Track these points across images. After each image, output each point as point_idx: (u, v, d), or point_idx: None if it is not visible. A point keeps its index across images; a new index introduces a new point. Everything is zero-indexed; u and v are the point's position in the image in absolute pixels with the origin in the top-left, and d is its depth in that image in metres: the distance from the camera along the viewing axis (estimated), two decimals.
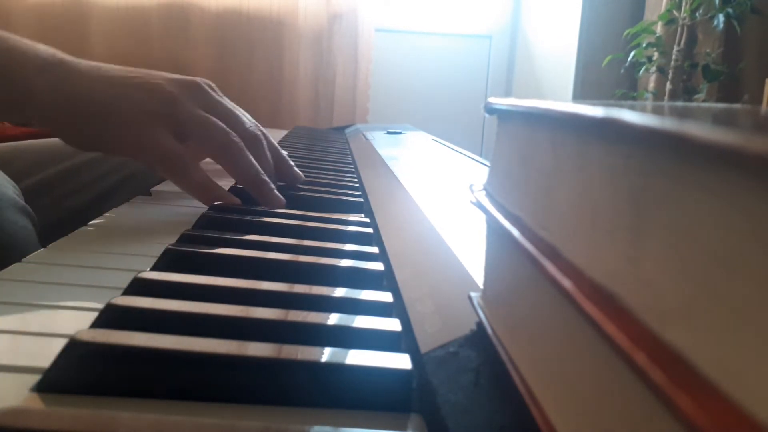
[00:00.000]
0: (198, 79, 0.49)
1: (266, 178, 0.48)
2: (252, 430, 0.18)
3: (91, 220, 0.41)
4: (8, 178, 0.54)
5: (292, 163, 0.55)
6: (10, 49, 0.44)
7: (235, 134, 0.47)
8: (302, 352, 0.21)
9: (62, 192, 0.70)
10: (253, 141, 0.49)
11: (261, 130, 0.52)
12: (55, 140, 0.76)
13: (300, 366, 0.20)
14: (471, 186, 0.25)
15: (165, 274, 0.28)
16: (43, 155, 0.72)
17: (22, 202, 0.52)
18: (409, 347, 0.24)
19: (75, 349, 0.20)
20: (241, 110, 0.52)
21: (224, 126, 0.47)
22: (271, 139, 0.54)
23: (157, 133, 0.44)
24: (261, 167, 0.48)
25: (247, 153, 0.47)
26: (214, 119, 0.46)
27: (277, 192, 0.48)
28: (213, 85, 0.51)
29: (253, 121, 0.53)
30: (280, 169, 0.53)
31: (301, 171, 0.56)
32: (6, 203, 0.50)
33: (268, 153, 0.51)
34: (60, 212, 0.67)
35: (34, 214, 0.53)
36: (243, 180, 0.47)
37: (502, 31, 2.30)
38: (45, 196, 0.67)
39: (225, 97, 0.51)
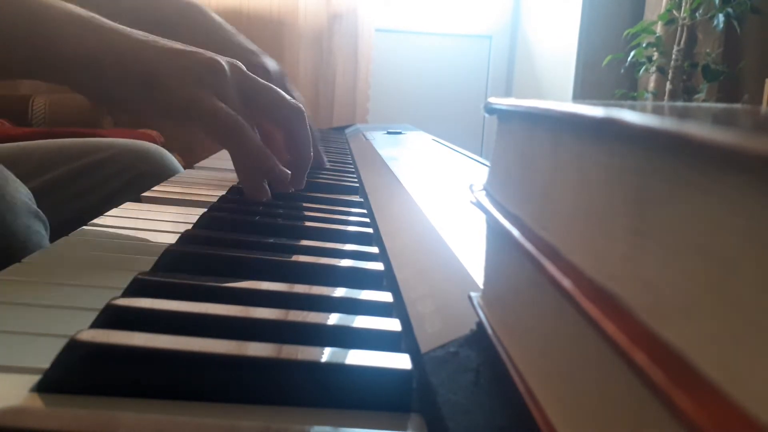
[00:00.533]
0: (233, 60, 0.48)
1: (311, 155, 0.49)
2: (252, 430, 0.18)
3: None
4: (20, 182, 0.54)
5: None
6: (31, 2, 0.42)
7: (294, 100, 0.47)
8: (302, 352, 0.21)
9: (68, 194, 0.70)
10: (299, 113, 0.49)
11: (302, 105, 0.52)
12: (62, 141, 0.76)
13: (300, 366, 0.20)
14: (471, 186, 0.25)
15: (165, 275, 0.28)
16: (49, 157, 0.72)
17: (34, 206, 0.52)
18: (409, 347, 0.24)
19: (75, 349, 0.20)
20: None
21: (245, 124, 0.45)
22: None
23: (206, 95, 0.43)
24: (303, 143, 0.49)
25: (308, 126, 0.48)
26: (274, 87, 0.47)
27: (266, 186, 0.48)
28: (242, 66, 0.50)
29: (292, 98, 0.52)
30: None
31: None
32: (20, 208, 0.50)
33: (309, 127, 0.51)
34: (66, 214, 0.68)
35: (46, 219, 0.53)
36: (297, 153, 0.49)
37: (502, 31, 2.30)
38: (51, 198, 0.67)
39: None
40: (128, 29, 0.44)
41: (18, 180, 0.54)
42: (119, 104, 0.46)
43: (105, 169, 0.73)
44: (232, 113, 0.43)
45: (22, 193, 0.52)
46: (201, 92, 0.43)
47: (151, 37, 0.45)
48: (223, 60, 0.46)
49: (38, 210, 0.52)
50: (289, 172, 0.47)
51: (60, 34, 0.42)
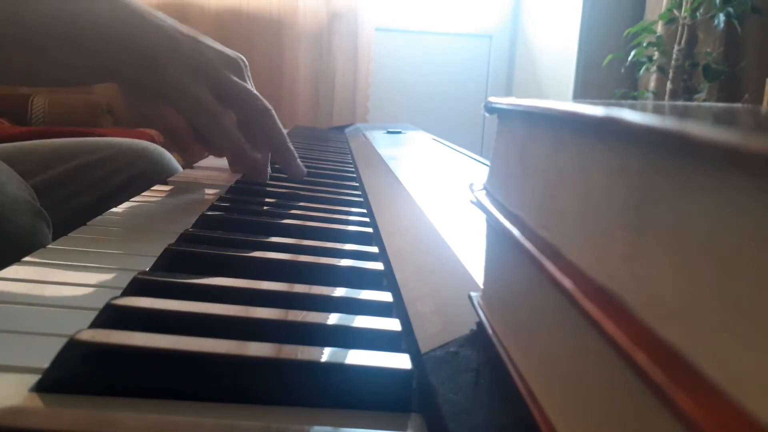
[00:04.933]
0: (238, 55, 0.55)
1: (292, 147, 0.56)
2: (252, 430, 0.18)
3: None
4: (22, 180, 0.54)
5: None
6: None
7: (267, 102, 0.53)
8: (302, 352, 0.21)
9: (67, 192, 0.70)
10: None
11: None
12: (60, 140, 0.76)
13: (300, 366, 0.20)
14: (471, 186, 0.25)
15: (165, 274, 0.28)
16: (48, 156, 0.72)
17: (37, 205, 0.52)
18: (409, 347, 0.24)
19: (75, 349, 0.20)
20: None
21: (259, 95, 0.53)
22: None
23: (197, 87, 0.49)
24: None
25: (279, 123, 0.54)
26: (251, 89, 0.52)
27: (299, 161, 0.56)
28: (247, 64, 0.56)
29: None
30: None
31: None
32: (22, 207, 0.50)
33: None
34: (65, 212, 0.67)
35: (48, 218, 0.53)
36: (275, 145, 0.55)
37: (503, 31, 2.30)
38: (50, 197, 0.67)
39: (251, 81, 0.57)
40: (142, 7, 0.50)
41: (21, 178, 0.54)
42: (99, 75, 0.51)
43: (104, 168, 0.73)
44: (213, 105, 0.50)
45: (24, 192, 0.52)
46: (196, 86, 0.49)
47: (165, 22, 0.50)
48: (218, 55, 0.52)
49: (41, 209, 0.53)
50: (259, 156, 0.54)
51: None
